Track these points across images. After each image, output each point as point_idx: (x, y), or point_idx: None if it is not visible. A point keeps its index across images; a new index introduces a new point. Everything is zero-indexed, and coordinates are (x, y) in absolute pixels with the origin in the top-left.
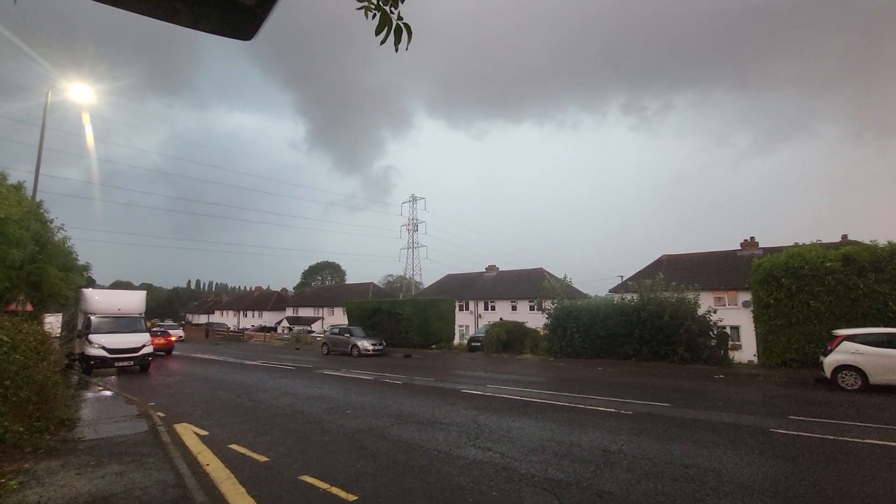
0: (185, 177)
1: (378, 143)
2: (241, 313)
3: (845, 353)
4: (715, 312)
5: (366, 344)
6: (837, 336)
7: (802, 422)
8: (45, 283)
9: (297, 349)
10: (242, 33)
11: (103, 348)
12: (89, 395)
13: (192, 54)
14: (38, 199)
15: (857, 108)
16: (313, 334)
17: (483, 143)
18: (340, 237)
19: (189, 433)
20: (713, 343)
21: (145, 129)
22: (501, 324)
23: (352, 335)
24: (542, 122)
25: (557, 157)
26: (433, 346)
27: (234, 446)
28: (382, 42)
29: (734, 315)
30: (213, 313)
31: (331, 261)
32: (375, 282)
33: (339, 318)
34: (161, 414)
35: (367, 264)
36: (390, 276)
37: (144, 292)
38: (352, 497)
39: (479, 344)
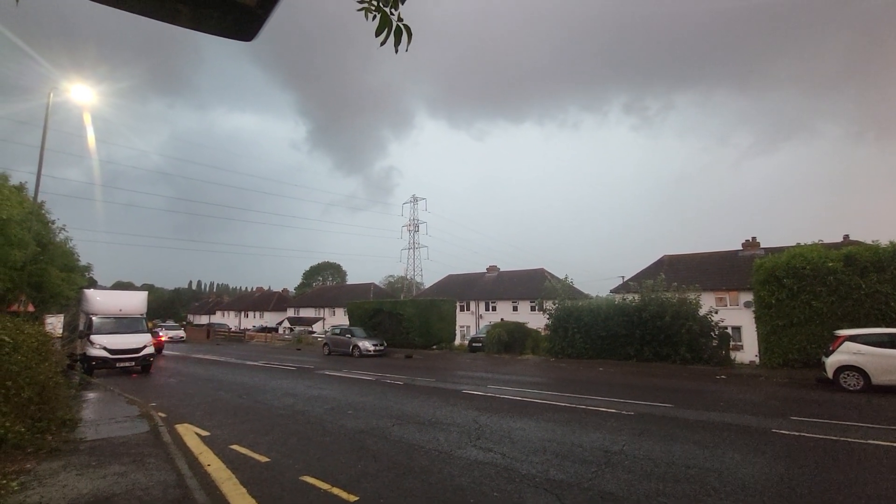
0: (186, 177)
1: (379, 144)
2: (243, 314)
3: (847, 353)
4: (716, 313)
5: (367, 344)
6: (839, 336)
7: (804, 422)
8: (46, 284)
9: (299, 350)
10: (243, 34)
11: (105, 349)
12: (91, 395)
13: (193, 55)
14: (39, 200)
15: (859, 108)
16: (314, 335)
17: (484, 143)
18: (341, 238)
19: (190, 434)
20: (715, 343)
21: (146, 129)
22: (502, 324)
23: (353, 336)
24: (544, 122)
25: (558, 158)
26: (434, 347)
27: (235, 447)
28: (382, 43)
29: (736, 315)
30: (214, 314)
31: (332, 261)
32: (376, 282)
33: (340, 318)
34: (162, 414)
35: (369, 265)
36: (391, 276)
37: (146, 293)
38: (353, 498)
39: (480, 344)
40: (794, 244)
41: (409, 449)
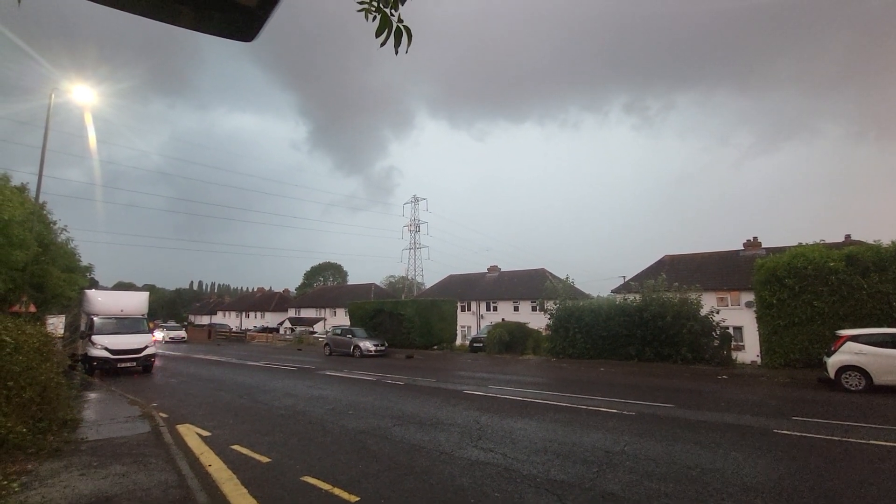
0: (186, 178)
1: (380, 144)
2: (244, 314)
3: (849, 353)
4: (718, 313)
5: (368, 345)
6: (841, 336)
7: (806, 422)
8: (48, 285)
9: (300, 350)
10: (244, 35)
11: (106, 349)
12: (92, 395)
13: (193, 56)
14: (41, 200)
15: (859, 108)
16: (315, 335)
17: (485, 143)
18: (342, 238)
19: (191, 434)
20: (716, 344)
21: (147, 130)
22: (503, 324)
23: (354, 336)
24: (544, 122)
25: (559, 158)
26: (435, 347)
27: (236, 447)
28: (382, 44)
29: (737, 315)
30: (215, 314)
31: (333, 262)
32: (377, 282)
33: (341, 318)
34: (163, 415)
35: (369, 265)
36: (392, 276)
37: (147, 293)
38: (354, 498)
39: (481, 345)
40: (795, 244)
41: (410, 449)
